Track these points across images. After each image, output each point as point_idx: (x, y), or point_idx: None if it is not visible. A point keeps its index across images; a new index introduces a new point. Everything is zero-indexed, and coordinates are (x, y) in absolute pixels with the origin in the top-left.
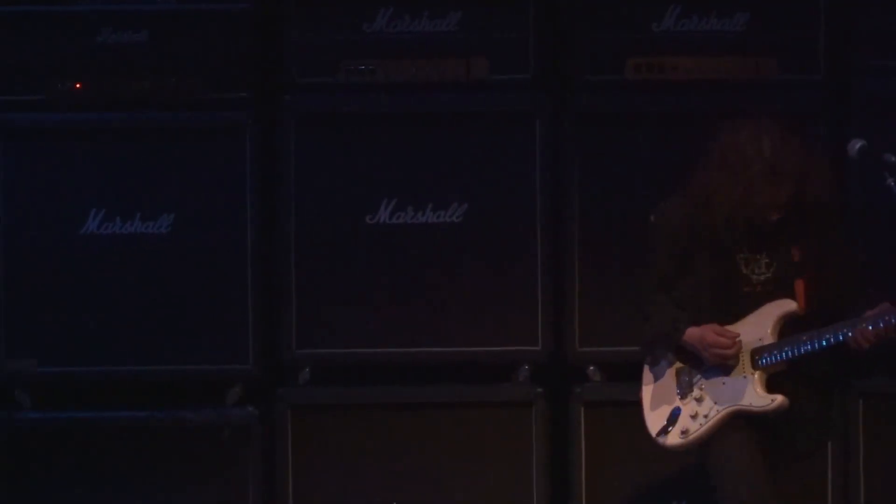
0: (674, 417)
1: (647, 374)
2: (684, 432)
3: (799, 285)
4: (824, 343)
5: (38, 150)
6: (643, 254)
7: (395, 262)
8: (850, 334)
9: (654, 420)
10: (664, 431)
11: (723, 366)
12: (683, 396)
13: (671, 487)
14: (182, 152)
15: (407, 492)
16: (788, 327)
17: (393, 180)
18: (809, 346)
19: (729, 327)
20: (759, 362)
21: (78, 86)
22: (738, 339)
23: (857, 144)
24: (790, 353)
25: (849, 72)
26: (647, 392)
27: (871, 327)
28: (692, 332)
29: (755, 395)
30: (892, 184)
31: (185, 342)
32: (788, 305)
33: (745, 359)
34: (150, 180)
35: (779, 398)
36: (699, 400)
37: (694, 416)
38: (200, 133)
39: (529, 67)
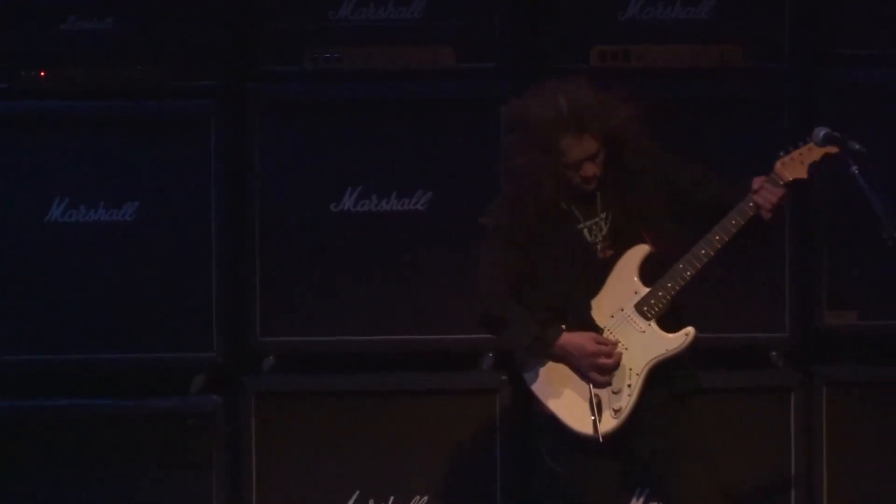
0: (597, 404)
1: (537, 384)
2: (617, 411)
3: (642, 229)
4: (718, 240)
5: (1, 139)
6: (483, 257)
7: (359, 249)
8: (751, 205)
9: (576, 419)
10: (596, 422)
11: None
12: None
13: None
14: (147, 140)
15: (371, 480)
16: (651, 270)
17: (357, 168)
18: (699, 261)
19: (596, 299)
20: (649, 312)
21: (42, 74)
22: (618, 349)
23: (821, 132)
24: (675, 286)
25: (814, 60)
26: (551, 399)
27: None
28: (569, 339)
29: (666, 340)
30: (857, 171)
31: (149, 330)
32: (641, 250)
33: (634, 316)
34: (114, 168)
35: (691, 330)
36: (613, 375)
37: (618, 392)
38: (166, 121)
39: (495, 56)
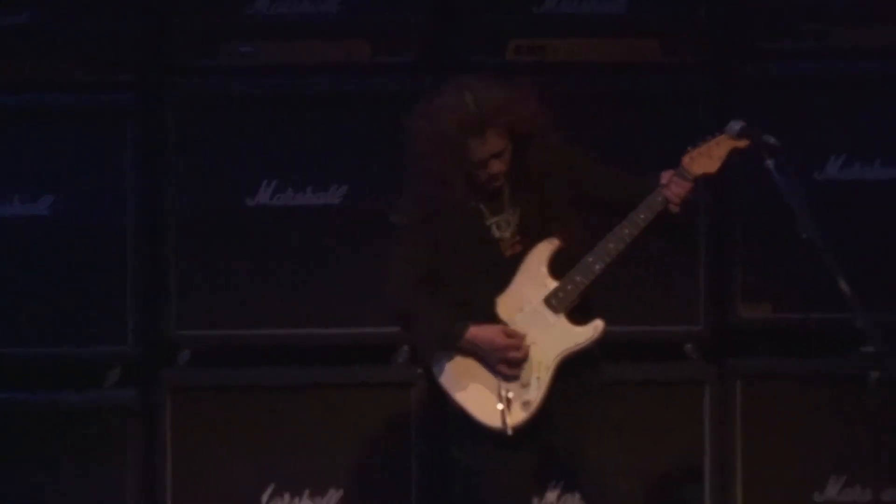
0: (506, 397)
1: (446, 378)
2: (527, 404)
3: (551, 224)
4: (627, 234)
5: None
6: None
7: (275, 243)
8: (659, 199)
9: (485, 412)
10: (505, 415)
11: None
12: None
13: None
14: (64, 134)
15: (287, 473)
16: (561, 264)
17: (273, 162)
18: (608, 255)
19: (505, 295)
20: (558, 305)
21: None
22: (526, 342)
23: (737, 126)
24: (584, 280)
25: (730, 54)
26: (460, 393)
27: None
28: (477, 333)
29: (575, 333)
30: (771, 165)
31: (64, 324)
32: (550, 245)
33: (543, 310)
34: (30, 161)
35: (599, 323)
36: (522, 368)
37: (526, 385)
38: (82, 115)
39: (410, 50)
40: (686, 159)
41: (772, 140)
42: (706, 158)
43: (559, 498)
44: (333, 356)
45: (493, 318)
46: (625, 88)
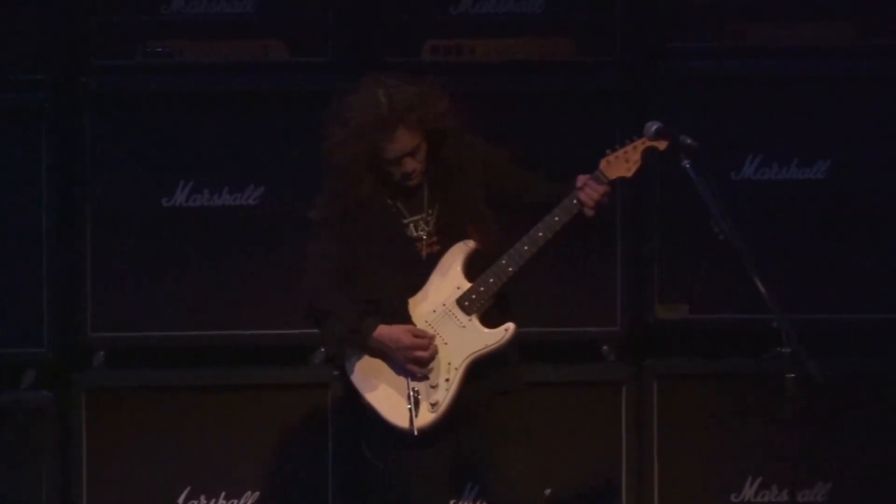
0: (414, 398)
1: (356, 375)
2: (434, 405)
3: (469, 225)
4: (542, 237)
5: None
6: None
7: (191, 244)
8: (574, 202)
9: (394, 411)
10: (412, 415)
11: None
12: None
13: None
14: None
15: (203, 475)
16: (476, 265)
17: (190, 163)
18: (521, 258)
19: (420, 293)
20: (470, 307)
21: None
22: (433, 340)
23: (653, 126)
24: (497, 282)
25: (646, 53)
26: (369, 390)
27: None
28: (385, 332)
29: (485, 335)
30: (688, 165)
31: None
32: (466, 246)
33: (455, 311)
34: None
35: (511, 326)
36: (431, 368)
37: (435, 386)
38: None
39: (328, 49)
40: (603, 163)
41: (688, 140)
42: (623, 162)
43: (476, 501)
44: (250, 357)
45: (405, 317)
46: (541, 88)
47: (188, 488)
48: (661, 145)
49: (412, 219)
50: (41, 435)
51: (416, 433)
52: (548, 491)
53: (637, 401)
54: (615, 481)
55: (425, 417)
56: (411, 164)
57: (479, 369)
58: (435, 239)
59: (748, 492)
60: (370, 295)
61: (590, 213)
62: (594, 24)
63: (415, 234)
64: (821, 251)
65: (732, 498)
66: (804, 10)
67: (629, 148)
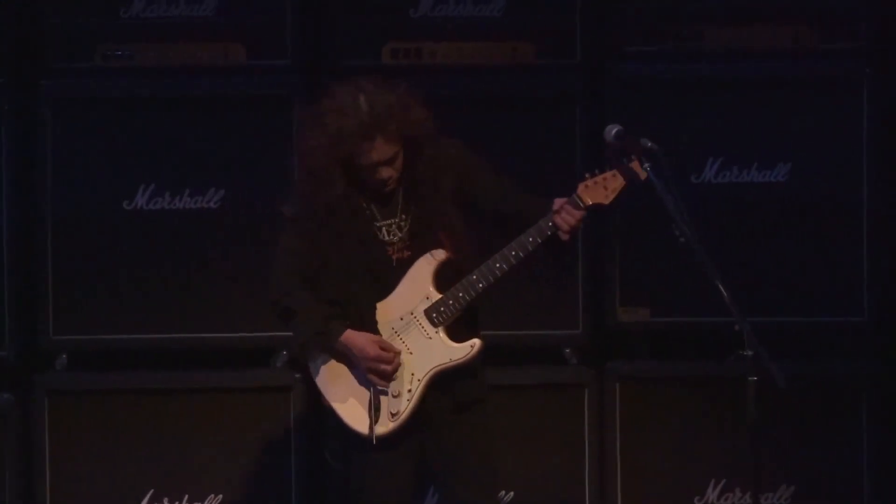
0: (375, 405)
1: (319, 376)
2: (395, 414)
3: (442, 233)
4: (514, 256)
5: None
6: (279, 245)
7: (152, 247)
8: (549, 224)
9: (355, 417)
10: (371, 423)
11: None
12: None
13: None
14: None
15: (165, 478)
16: (447, 276)
17: (150, 166)
18: (492, 275)
19: (388, 299)
20: (438, 319)
21: None
22: (398, 356)
23: (613, 129)
24: (466, 297)
25: (606, 56)
26: (330, 392)
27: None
28: (352, 338)
29: (451, 349)
30: (649, 168)
31: None
32: (437, 256)
33: (423, 321)
34: None
35: (476, 342)
36: (395, 378)
37: (397, 395)
38: None
39: (287, 53)
40: (581, 188)
41: (648, 143)
42: (601, 189)
43: None
44: (212, 360)
45: (371, 323)
46: (502, 91)
47: (151, 491)
48: (638, 179)
49: (384, 223)
50: (3, 438)
51: (374, 441)
52: (504, 494)
53: (599, 403)
54: (578, 484)
55: (385, 426)
56: (387, 172)
57: (442, 381)
58: (406, 244)
59: (711, 495)
60: (337, 295)
61: (564, 236)
62: (554, 28)
63: (386, 238)
64: (781, 254)
65: (696, 501)
66: (763, 12)
67: (608, 175)
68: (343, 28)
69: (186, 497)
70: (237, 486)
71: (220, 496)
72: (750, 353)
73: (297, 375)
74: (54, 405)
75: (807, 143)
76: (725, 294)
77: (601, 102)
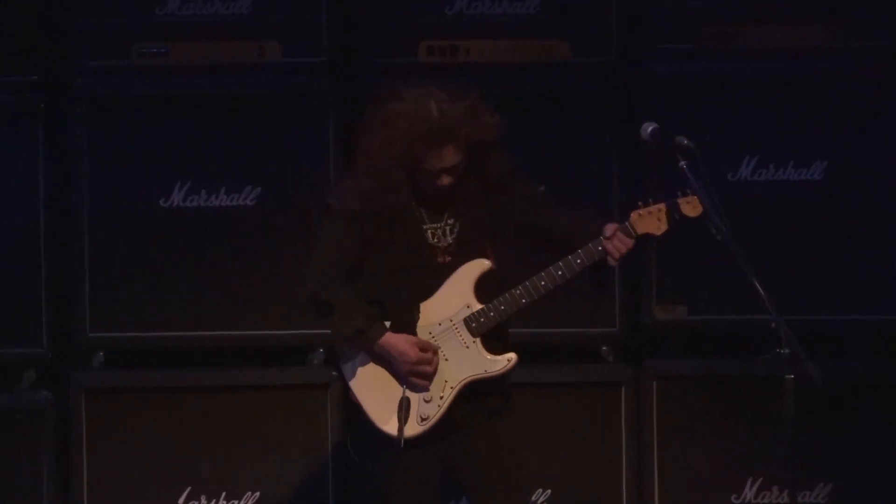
0: (405, 407)
1: (351, 373)
2: (424, 419)
3: (487, 243)
4: (560, 276)
5: None
6: (322, 237)
7: (188, 245)
8: (599, 249)
9: (383, 417)
10: (401, 425)
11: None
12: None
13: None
14: None
15: (202, 476)
16: (486, 286)
17: (186, 164)
18: (536, 292)
19: (427, 302)
20: (477, 329)
21: None
22: (437, 355)
23: (649, 127)
24: (508, 310)
25: (640, 55)
26: (361, 390)
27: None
28: (391, 341)
29: (487, 361)
30: (685, 166)
31: None
32: (481, 265)
33: (462, 329)
34: None
35: (513, 357)
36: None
37: (429, 400)
38: None
39: (322, 51)
40: (634, 216)
41: (685, 141)
42: (655, 220)
43: None
44: (249, 358)
45: (410, 325)
46: (536, 89)
47: (188, 489)
48: (695, 214)
49: (431, 226)
50: (41, 435)
51: (402, 445)
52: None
53: (636, 401)
54: (615, 481)
55: (413, 429)
56: (448, 180)
57: (474, 391)
58: (450, 249)
59: (749, 493)
60: (378, 293)
61: (612, 263)
62: (590, 26)
63: (432, 241)
64: (818, 251)
65: (733, 499)
66: (799, 10)
67: (662, 206)
68: (378, 26)
69: (223, 494)
70: (274, 484)
71: (258, 493)
72: (787, 351)
73: (334, 373)
74: (91, 403)
75: (843, 140)
76: (762, 292)
77: (637, 100)
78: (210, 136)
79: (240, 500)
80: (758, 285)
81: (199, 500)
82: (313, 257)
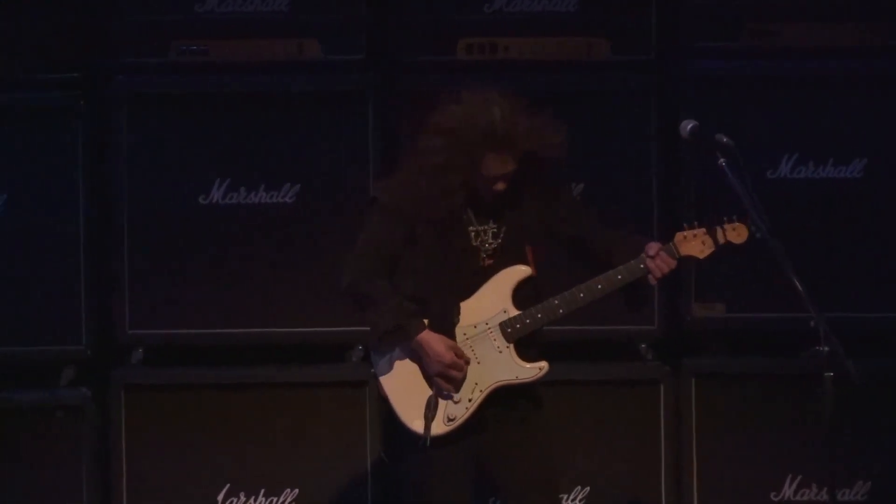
0: (432, 406)
1: (382, 366)
2: (451, 419)
3: (529, 250)
4: (599, 290)
5: None
6: (358, 233)
7: (227, 242)
8: (641, 267)
9: (410, 414)
10: (428, 424)
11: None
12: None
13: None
14: (13, 133)
15: (242, 473)
16: (524, 293)
17: (226, 161)
18: (574, 304)
19: (465, 303)
20: (511, 335)
21: None
22: (468, 365)
23: (689, 125)
24: (545, 319)
25: (679, 53)
26: (390, 385)
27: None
28: (429, 340)
29: (519, 368)
30: (724, 164)
31: (17, 323)
32: (521, 271)
33: (496, 334)
34: None
35: (545, 365)
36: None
37: (457, 402)
38: (31, 113)
39: (362, 48)
40: (678, 237)
41: (724, 139)
42: (699, 244)
43: None
44: (288, 355)
45: (447, 324)
46: (575, 86)
47: (227, 485)
48: (740, 241)
49: (477, 228)
50: (80, 432)
51: (427, 443)
52: (580, 489)
53: (675, 399)
54: (654, 479)
55: (440, 428)
56: (501, 186)
57: (502, 396)
58: (493, 253)
59: (788, 490)
60: (418, 290)
61: (653, 282)
62: (629, 24)
63: (475, 242)
64: (857, 249)
65: (772, 496)
66: (838, 8)
67: (710, 230)
68: (417, 23)
69: (262, 491)
70: (313, 480)
71: (296, 490)
72: (826, 349)
73: (373, 370)
74: (130, 399)
75: (883, 138)
76: (801, 289)
77: (676, 98)
78: (249, 133)
79: (279, 496)
80: (797, 283)
81: (238, 497)
82: (355, 249)
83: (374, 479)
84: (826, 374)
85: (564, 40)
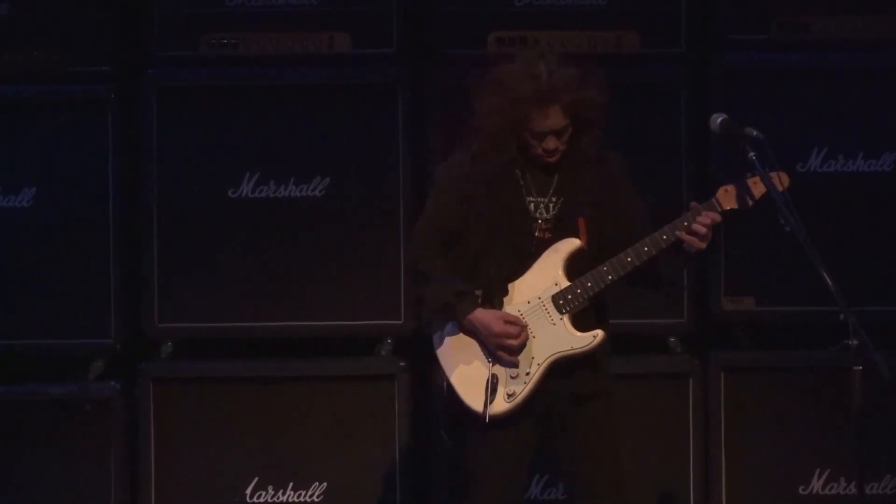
0: (492, 384)
1: (443, 348)
2: (511, 395)
3: (581, 222)
4: (646, 252)
5: None
6: (425, 209)
7: (257, 235)
8: (685, 223)
9: (470, 393)
10: (487, 402)
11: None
12: (495, 359)
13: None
14: (43, 126)
15: (270, 466)
16: (577, 265)
17: (256, 154)
18: (623, 269)
19: (519, 281)
20: (565, 307)
21: None
22: (525, 329)
23: (718, 118)
24: (595, 287)
25: (710, 45)
26: (449, 364)
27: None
28: (478, 315)
29: (573, 337)
30: (754, 157)
31: (46, 316)
32: (572, 244)
33: (549, 307)
34: (9, 154)
35: (599, 333)
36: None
37: (515, 377)
38: (62, 106)
39: (393, 41)
40: (720, 192)
41: (754, 132)
42: (742, 196)
43: (544, 490)
44: (316, 348)
45: (500, 297)
46: (607, 80)
47: (256, 479)
48: (784, 186)
49: (536, 199)
50: (109, 425)
51: (486, 420)
52: None
53: (704, 392)
54: (683, 472)
55: (499, 406)
56: (553, 143)
57: (563, 369)
58: (551, 226)
59: (816, 484)
60: (474, 261)
61: (698, 244)
62: (659, 17)
63: (533, 213)
64: (887, 243)
65: (800, 490)
66: (870, 1)
67: (750, 181)
68: (448, 17)
69: (291, 485)
70: (341, 475)
71: (325, 484)
72: (855, 342)
73: (402, 363)
74: (159, 393)
75: None
76: (830, 283)
77: (706, 91)
78: (279, 126)
79: (307, 490)
80: (826, 276)
81: (267, 490)
82: (416, 227)
83: (402, 472)
84: (855, 367)
85: (594, 33)
